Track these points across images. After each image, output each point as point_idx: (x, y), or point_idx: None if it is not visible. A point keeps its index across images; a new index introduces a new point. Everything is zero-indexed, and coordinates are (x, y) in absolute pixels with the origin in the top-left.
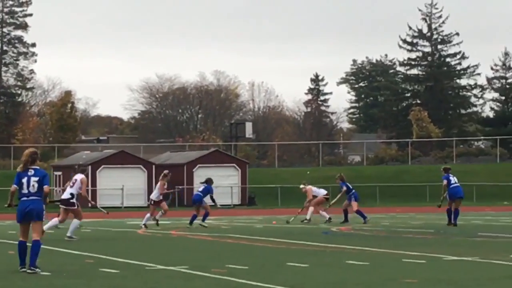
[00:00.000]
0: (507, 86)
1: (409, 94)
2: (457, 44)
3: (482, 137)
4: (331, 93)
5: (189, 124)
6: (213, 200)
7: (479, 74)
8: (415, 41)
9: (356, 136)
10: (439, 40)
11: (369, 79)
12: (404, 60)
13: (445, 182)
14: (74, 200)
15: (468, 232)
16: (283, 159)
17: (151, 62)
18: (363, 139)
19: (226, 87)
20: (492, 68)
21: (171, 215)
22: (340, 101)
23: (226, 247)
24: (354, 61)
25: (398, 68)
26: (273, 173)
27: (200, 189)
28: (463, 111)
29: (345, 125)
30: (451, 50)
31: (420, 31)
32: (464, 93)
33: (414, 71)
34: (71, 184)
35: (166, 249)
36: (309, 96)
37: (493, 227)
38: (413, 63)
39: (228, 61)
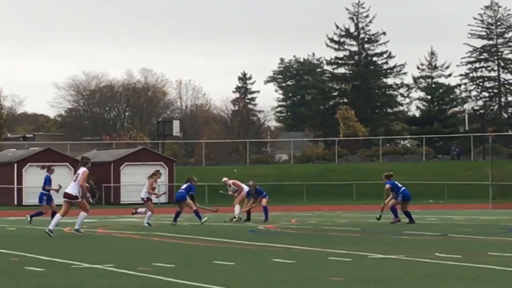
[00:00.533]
0: (433, 86)
1: (336, 93)
2: (384, 43)
3: (408, 136)
4: (258, 91)
5: (116, 122)
6: (192, 199)
7: (405, 73)
8: (342, 40)
9: (283, 134)
10: (366, 39)
11: (297, 77)
12: (331, 59)
13: (387, 186)
14: (77, 194)
15: (393, 230)
16: (210, 157)
17: (78, 60)
18: (290, 137)
19: (153, 85)
20: (418, 68)
21: (96, 213)
22: (267, 99)
23: (153, 245)
24: (282, 59)
25: (326, 67)
26: (201, 171)
27: (183, 186)
28: (389, 110)
29: (272, 123)
30: (378, 49)
31: (347, 30)
32: (391, 92)
33: (341, 70)
34: (74, 178)
35: (92, 247)
36: (237, 95)
37: (418, 225)
38: (340, 62)
39: (156, 59)
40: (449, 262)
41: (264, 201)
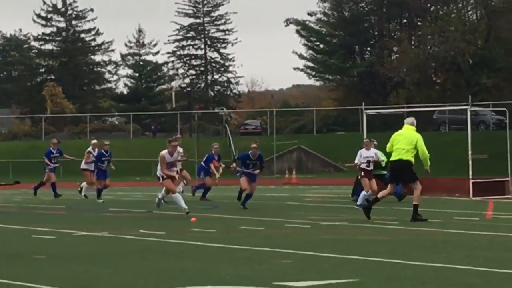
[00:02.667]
0: (141, 63)
1: (43, 70)
2: (92, 20)
3: (116, 113)
4: None
5: None
6: None
7: (113, 50)
8: (49, 16)
9: None
10: (73, 15)
11: (3, 53)
12: (39, 35)
13: None
14: (160, 175)
15: (98, 207)
16: None
17: None
18: None
19: None
20: (126, 45)
21: None
22: None
23: None
24: None
25: (33, 43)
26: None
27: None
28: (97, 87)
29: None
30: (86, 26)
31: (54, 6)
32: (99, 69)
33: (49, 47)
34: None
35: None
36: None
37: (124, 202)
38: (47, 38)
39: None
40: (153, 239)
41: None
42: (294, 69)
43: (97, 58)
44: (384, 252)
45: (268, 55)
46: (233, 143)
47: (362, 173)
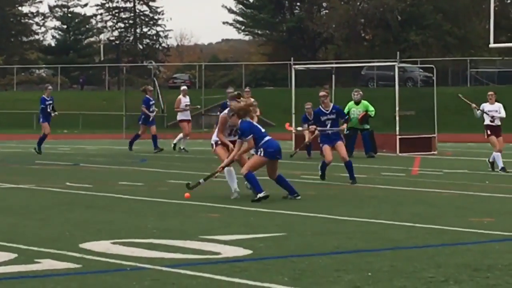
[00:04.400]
0: (69, 15)
1: None
2: None
3: (43, 65)
4: None
5: None
6: None
7: (41, 1)
8: None
9: None
10: None
11: None
12: None
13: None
14: (213, 143)
15: (25, 160)
16: None
17: None
18: None
19: None
20: None
21: None
22: None
23: None
24: None
25: None
26: None
27: None
28: (25, 39)
29: None
30: None
31: None
32: (26, 20)
33: None
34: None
35: None
36: None
37: (51, 155)
38: None
39: None
40: (80, 192)
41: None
42: (224, 23)
43: (25, 9)
44: (310, 206)
45: (197, 9)
46: (161, 97)
47: (488, 131)
